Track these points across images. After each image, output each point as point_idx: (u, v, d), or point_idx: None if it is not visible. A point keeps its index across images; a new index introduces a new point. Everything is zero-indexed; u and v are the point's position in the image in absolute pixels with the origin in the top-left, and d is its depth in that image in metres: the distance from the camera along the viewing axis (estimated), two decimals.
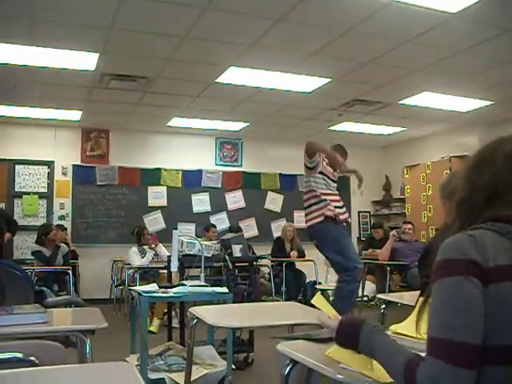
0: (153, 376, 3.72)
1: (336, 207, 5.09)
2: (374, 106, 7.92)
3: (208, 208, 10.09)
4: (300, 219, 10.53)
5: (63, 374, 1.56)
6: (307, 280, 8.65)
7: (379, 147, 11.34)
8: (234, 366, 4.19)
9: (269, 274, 8.50)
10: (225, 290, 3.86)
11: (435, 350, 1.17)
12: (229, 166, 10.43)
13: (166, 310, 6.06)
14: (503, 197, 1.29)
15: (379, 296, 3.70)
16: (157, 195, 9.79)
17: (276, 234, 9.86)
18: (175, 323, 5.47)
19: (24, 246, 8.87)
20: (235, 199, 10.34)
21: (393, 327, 1.91)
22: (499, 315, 1.16)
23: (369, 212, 11.50)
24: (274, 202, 10.63)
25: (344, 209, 5.22)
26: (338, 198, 5.22)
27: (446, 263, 1.22)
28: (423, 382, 1.16)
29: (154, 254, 7.57)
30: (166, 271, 5.98)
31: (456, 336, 1.15)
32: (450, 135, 9.57)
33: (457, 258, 1.20)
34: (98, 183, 9.45)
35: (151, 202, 9.76)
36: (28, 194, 9.09)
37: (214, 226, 8.92)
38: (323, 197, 5.08)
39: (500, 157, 1.32)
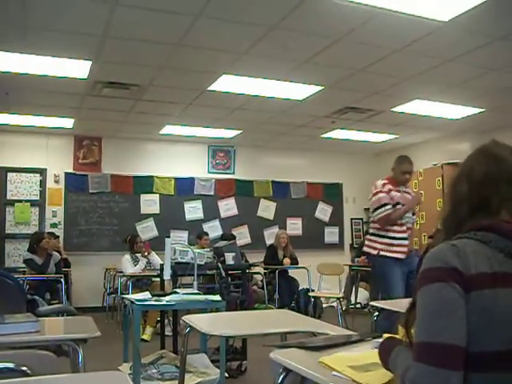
0: None
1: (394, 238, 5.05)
2: (366, 114, 7.95)
3: (201, 215, 10.07)
4: (293, 226, 10.60)
5: None
6: (300, 287, 8.64)
7: (372, 154, 11.37)
8: (227, 374, 4.18)
9: (262, 281, 8.49)
10: (218, 297, 3.86)
11: (418, 353, 1.20)
12: (221, 173, 10.42)
13: (158, 318, 6.05)
14: (483, 211, 1.33)
15: (372, 303, 3.70)
16: (149, 203, 9.77)
17: (269, 241, 9.85)
18: (168, 331, 5.46)
19: (16, 253, 8.83)
20: (228, 207, 10.34)
21: (386, 335, 1.91)
22: (481, 322, 1.18)
23: (361, 219, 11.51)
24: (266, 209, 10.63)
25: (403, 241, 5.07)
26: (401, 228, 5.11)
27: (429, 272, 1.26)
28: None
29: (147, 262, 7.55)
30: (158, 279, 5.97)
31: (436, 338, 1.18)
32: (441, 142, 9.62)
33: (438, 267, 1.24)
34: (91, 191, 9.42)
35: (144, 210, 9.73)
36: (20, 201, 9.05)
37: (207, 234, 8.91)
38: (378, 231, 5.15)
39: (476, 175, 1.37)
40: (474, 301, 1.19)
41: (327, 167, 11.07)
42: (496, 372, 1.17)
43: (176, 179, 9.95)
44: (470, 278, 1.20)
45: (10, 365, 1.85)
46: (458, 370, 1.15)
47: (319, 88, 6.66)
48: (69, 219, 9.23)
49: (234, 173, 10.52)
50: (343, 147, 10.52)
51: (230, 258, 5.39)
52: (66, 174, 9.32)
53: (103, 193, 9.49)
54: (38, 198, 9.20)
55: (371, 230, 5.35)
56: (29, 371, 1.83)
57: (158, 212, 9.79)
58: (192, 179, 10.08)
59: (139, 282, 7.30)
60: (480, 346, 1.18)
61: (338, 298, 7.42)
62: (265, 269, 8.58)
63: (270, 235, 10.13)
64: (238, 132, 9.30)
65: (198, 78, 6.28)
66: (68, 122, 8.46)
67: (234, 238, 8.28)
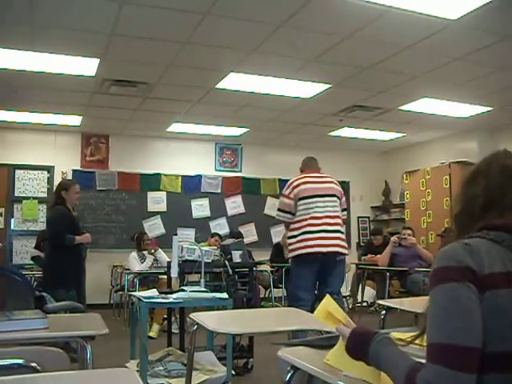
0: (153, 382, 3.71)
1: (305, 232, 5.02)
2: (373, 112, 7.93)
3: (207, 213, 10.09)
4: None
5: (65, 380, 1.56)
6: None
7: (379, 153, 11.34)
8: (233, 372, 4.18)
9: (268, 279, 8.48)
10: (225, 295, 3.86)
11: (433, 354, 1.18)
12: (228, 171, 10.43)
13: (165, 316, 6.05)
14: (498, 206, 1.31)
15: (379, 302, 3.70)
16: (156, 200, 9.79)
17: (275, 239, 9.85)
18: (175, 329, 5.47)
19: (23, 250, 8.86)
20: (235, 204, 10.34)
21: (393, 334, 1.90)
22: (495, 322, 1.17)
23: (368, 217, 11.50)
24: (273, 207, 10.50)
25: (319, 234, 5.03)
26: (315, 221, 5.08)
27: (442, 271, 1.23)
28: None
29: (154, 260, 7.56)
30: (165, 277, 5.98)
31: (452, 339, 1.16)
32: (449, 141, 9.59)
33: (452, 266, 1.22)
34: (98, 188, 9.45)
35: (151, 208, 9.75)
36: (28, 198, 9.08)
37: (220, 236, 8.75)
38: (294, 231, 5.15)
39: (493, 168, 1.36)
40: (489, 301, 1.17)
41: (334, 165, 10.92)
42: (510, 372, 1.16)
43: (183, 177, 9.97)
44: (484, 277, 1.19)
45: (20, 361, 1.85)
46: (475, 373, 1.14)
47: (327, 86, 6.66)
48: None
49: (240, 171, 10.53)
50: (350, 145, 10.50)
51: (237, 256, 5.38)
52: (74, 171, 9.34)
53: (110, 190, 9.52)
54: (45, 195, 9.21)
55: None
56: (38, 367, 1.84)
57: (164, 210, 9.81)
58: (199, 177, 10.10)
59: (146, 280, 7.31)
60: (494, 346, 1.16)
61: (345, 297, 7.41)
62: (271, 267, 8.58)
63: (276, 233, 10.12)
64: (246, 130, 9.30)
65: (206, 75, 6.28)
66: (76, 120, 8.48)
67: (241, 236, 8.26)
